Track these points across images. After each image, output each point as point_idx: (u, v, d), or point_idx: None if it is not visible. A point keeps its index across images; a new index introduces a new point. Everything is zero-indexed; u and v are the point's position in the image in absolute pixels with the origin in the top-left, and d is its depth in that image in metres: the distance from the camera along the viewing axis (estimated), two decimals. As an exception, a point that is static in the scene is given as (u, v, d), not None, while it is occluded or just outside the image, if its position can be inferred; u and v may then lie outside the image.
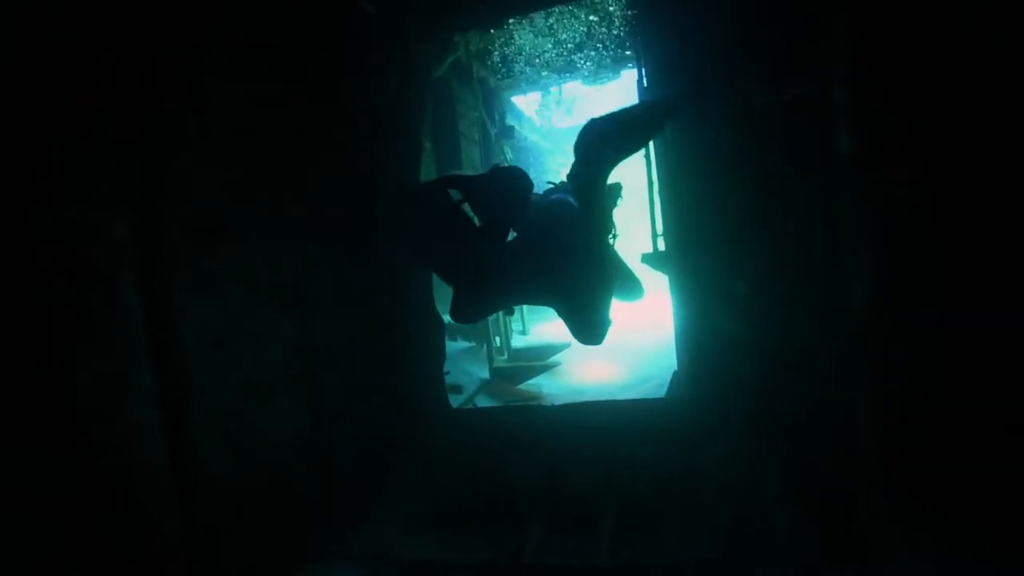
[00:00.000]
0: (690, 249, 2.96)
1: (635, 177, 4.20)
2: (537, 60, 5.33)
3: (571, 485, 2.51)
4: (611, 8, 5.06)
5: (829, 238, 1.96)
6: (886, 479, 1.90)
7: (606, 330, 2.61)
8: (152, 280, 1.78)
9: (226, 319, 2.10)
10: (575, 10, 5.26)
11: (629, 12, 4.77)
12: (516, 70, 5.24)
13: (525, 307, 7.15)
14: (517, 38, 5.22)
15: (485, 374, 5.19)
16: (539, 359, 5.54)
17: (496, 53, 5.15)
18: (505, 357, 5.75)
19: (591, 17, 5.15)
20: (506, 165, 2.83)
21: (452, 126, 4.23)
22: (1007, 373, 1.63)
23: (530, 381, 5.09)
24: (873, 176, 1.76)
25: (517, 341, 6.52)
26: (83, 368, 1.60)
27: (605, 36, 5.25)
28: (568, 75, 6.19)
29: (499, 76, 5.40)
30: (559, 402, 4.63)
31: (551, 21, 5.25)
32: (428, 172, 4.58)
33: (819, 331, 2.06)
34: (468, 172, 4.94)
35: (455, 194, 2.68)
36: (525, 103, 8.35)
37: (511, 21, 4.65)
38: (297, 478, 2.28)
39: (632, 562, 2.11)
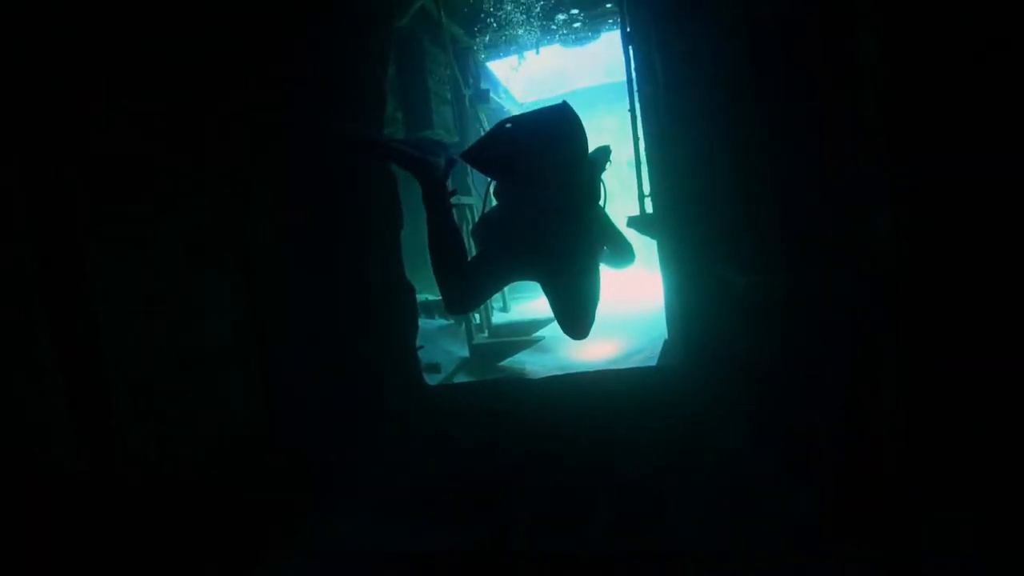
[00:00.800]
0: (686, 201, 2.69)
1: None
2: (509, 12, 4.98)
3: (561, 465, 2.26)
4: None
5: (849, 169, 1.72)
6: (914, 453, 1.68)
7: (591, 323, 2.50)
8: (54, 229, 1.47)
9: (158, 283, 1.79)
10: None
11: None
12: (488, 23, 4.89)
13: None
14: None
15: (465, 352, 4.92)
16: (522, 335, 5.28)
17: (467, 8, 4.79)
18: (485, 334, 5.48)
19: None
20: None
21: (422, 83, 3.90)
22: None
23: (513, 358, 4.83)
24: (905, 88, 1.50)
25: (498, 317, 6.26)
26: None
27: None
28: (546, 37, 5.86)
29: (471, 35, 5.05)
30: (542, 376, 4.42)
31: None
32: (397, 132, 4.26)
33: (837, 279, 1.82)
34: (441, 132, 4.63)
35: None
36: (502, 74, 8.01)
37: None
38: (249, 465, 1.99)
39: (631, 549, 1.87)
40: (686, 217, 2.62)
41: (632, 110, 3.70)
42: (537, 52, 5.79)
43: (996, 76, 1.36)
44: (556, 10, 4.96)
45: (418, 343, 4.92)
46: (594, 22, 5.11)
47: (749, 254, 2.13)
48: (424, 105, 3.89)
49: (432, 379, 4.37)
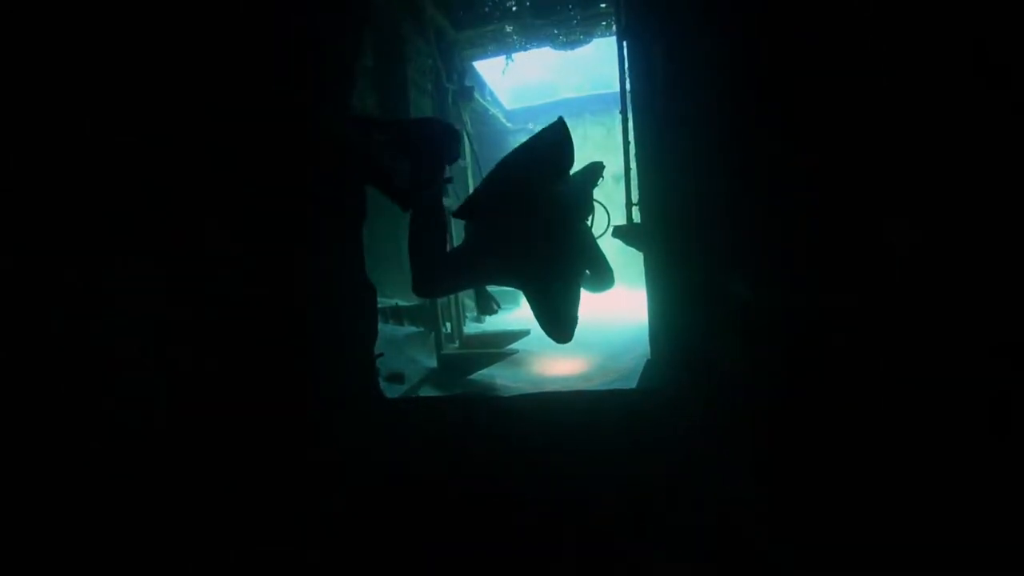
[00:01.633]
0: (685, 208, 2.44)
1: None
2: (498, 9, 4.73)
3: (524, 502, 1.95)
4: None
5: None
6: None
7: (574, 326, 2.51)
8: None
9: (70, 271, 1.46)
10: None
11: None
12: (476, 13, 4.62)
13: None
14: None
15: (432, 363, 4.59)
16: (494, 347, 4.97)
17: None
18: (456, 344, 5.16)
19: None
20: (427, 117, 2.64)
21: (400, 70, 3.61)
22: None
23: (483, 372, 4.51)
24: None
25: (471, 327, 5.94)
26: None
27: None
28: (536, 38, 5.62)
29: (458, 28, 4.78)
30: (514, 394, 4.11)
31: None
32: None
33: (859, 295, 1.56)
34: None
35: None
36: (489, 77, 7.76)
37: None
38: (143, 497, 1.64)
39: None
40: (686, 225, 2.36)
41: (623, 112, 3.45)
42: (526, 49, 5.54)
43: None
44: (549, 8, 4.71)
45: (379, 351, 4.60)
46: (587, 23, 4.89)
47: (764, 268, 1.86)
48: (401, 93, 3.60)
49: (395, 390, 4.04)
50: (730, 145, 2.09)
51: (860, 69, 1.50)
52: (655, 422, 2.30)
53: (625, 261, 7.77)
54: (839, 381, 1.59)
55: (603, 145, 8.95)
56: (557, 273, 2.54)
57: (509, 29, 5.06)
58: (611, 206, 3.73)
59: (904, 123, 1.43)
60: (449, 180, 2.50)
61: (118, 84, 1.61)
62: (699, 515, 1.92)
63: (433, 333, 4.71)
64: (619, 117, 3.58)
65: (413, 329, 5.31)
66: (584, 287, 2.74)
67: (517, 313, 7.92)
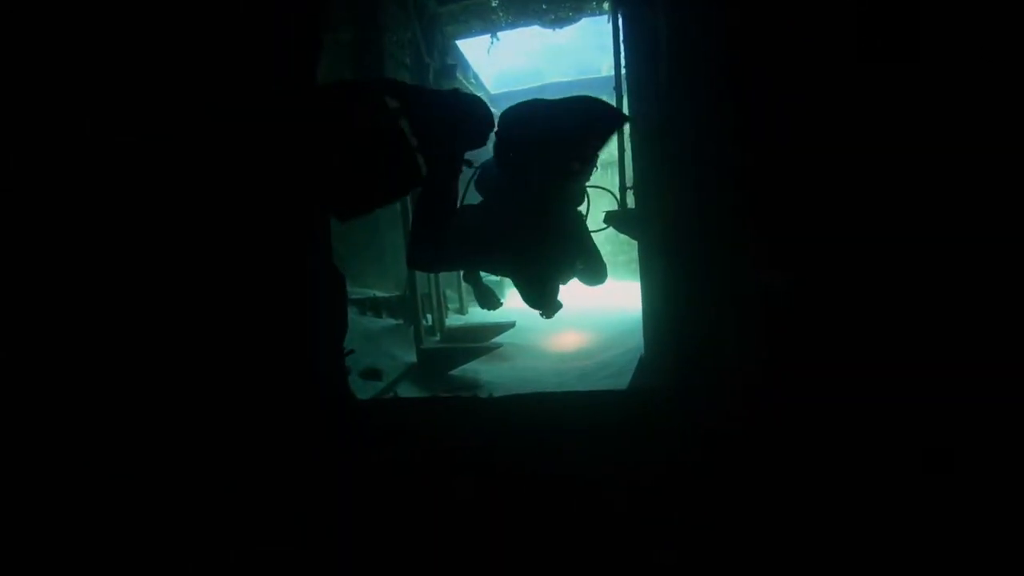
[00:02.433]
0: (694, 189, 2.20)
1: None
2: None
3: (512, 517, 1.71)
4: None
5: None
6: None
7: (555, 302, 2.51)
8: None
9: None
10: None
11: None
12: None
13: (462, 284, 6.31)
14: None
15: (412, 358, 4.33)
16: (477, 340, 4.73)
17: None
18: (437, 338, 4.91)
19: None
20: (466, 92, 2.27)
21: (376, 40, 3.30)
22: None
23: (465, 366, 4.27)
24: None
25: (453, 319, 5.69)
26: None
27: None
28: (523, 15, 5.34)
29: (440, 1, 4.48)
30: (499, 393, 3.87)
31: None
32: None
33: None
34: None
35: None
36: (473, 57, 7.45)
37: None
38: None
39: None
40: (691, 211, 2.12)
41: (617, 89, 3.20)
42: (512, 28, 5.26)
43: None
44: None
45: (353, 346, 4.32)
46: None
47: (790, 256, 1.63)
48: (378, 66, 3.30)
49: (371, 388, 3.78)
50: (745, 123, 1.86)
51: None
52: (658, 429, 2.07)
53: (613, 250, 7.52)
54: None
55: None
56: (546, 260, 2.49)
57: (495, 4, 4.76)
58: (602, 193, 3.48)
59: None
60: (468, 163, 2.27)
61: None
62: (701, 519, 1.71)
63: (413, 326, 4.44)
64: (609, 101, 3.33)
65: (392, 322, 5.04)
66: (579, 279, 2.67)
67: (504, 305, 7.67)
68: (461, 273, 3.37)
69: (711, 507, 1.63)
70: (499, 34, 5.83)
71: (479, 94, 7.98)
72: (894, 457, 1.50)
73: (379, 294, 5.56)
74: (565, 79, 9.19)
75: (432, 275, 5.04)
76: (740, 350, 1.88)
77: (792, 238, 1.62)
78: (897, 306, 1.42)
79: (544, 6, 4.64)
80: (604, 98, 3.13)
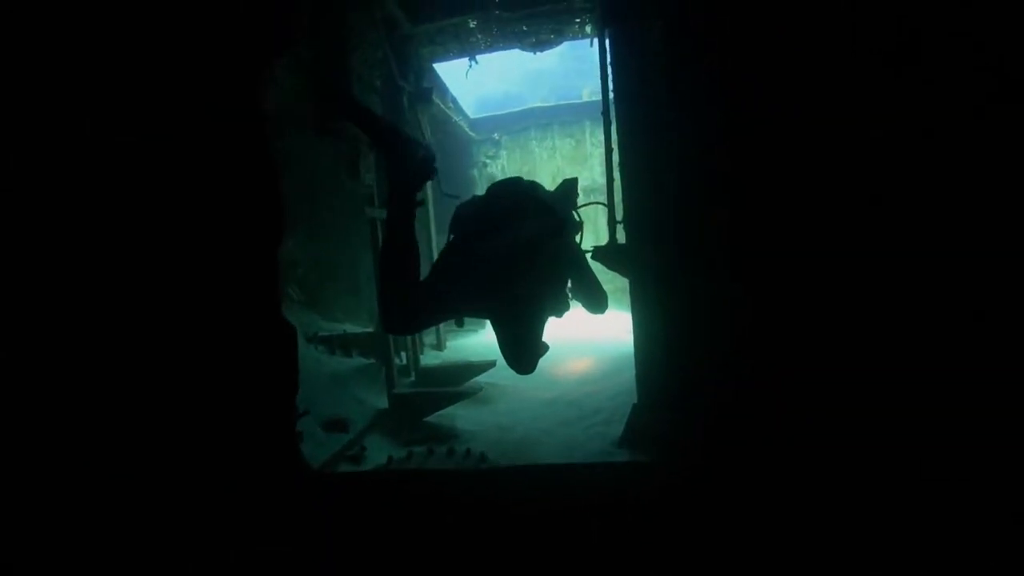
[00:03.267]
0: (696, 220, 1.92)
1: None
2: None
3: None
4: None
5: None
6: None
7: (539, 358, 2.37)
8: None
9: None
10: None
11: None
12: (435, 3, 4.07)
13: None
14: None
15: (383, 403, 3.95)
16: (455, 382, 4.36)
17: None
18: (412, 378, 4.54)
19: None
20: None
21: (340, 58, 3.00)
22: None
23: (442, 412, 3.90)
24: None
25: (429, 358, 5.32)
26: None
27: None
28: (503, 37, 5.12)
29: (415, 21, 4.22)
30: (479, 442, 3.51)
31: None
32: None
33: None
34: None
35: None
36: (452, 81, 7.21)
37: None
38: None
39: None
40: (697, 248, 1.84)
41: (605, 113, 2.94)
42: (492, 51, 5.03)
43: None
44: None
45: (321, 389, 3.94)
46: (560, 19, 4.40)
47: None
48: (343, 86, 3.00)
49: (335, 441, 3.39)
50: (751, 142, 1.59)
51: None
52: (668, 516, 1.75)
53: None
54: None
55: (572, 157, 8.51)
56: (534, 297, 2.35)
57: (472, 25, 4.52)
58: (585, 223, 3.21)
59: None
60: (420, 203, 2.30)
61: None
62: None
63: (384, 367, 4.07)
64: (589, 128, 3.11)
65: (363, 361, 4.65)
66: (582, 304, 2.59)
67: (485, 336, 7.33)
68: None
69: None
70: (479, 58, 5.61)
71: (458, 119, 7.76)
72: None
73: (351, 329, 5.18)
74: (548, 103, 9.02)
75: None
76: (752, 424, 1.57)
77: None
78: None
79: (525, 28, 4.41)
80: (588, 124, 2.88)
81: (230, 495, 1.86)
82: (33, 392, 1.45)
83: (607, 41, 2.95)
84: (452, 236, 2.43)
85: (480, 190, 8.91)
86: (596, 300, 2.55)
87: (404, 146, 2.26)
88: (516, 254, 2.20)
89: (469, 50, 5.32)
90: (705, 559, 1.56)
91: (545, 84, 18.28)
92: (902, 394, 1.58)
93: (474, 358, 5.24)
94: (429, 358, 5.25)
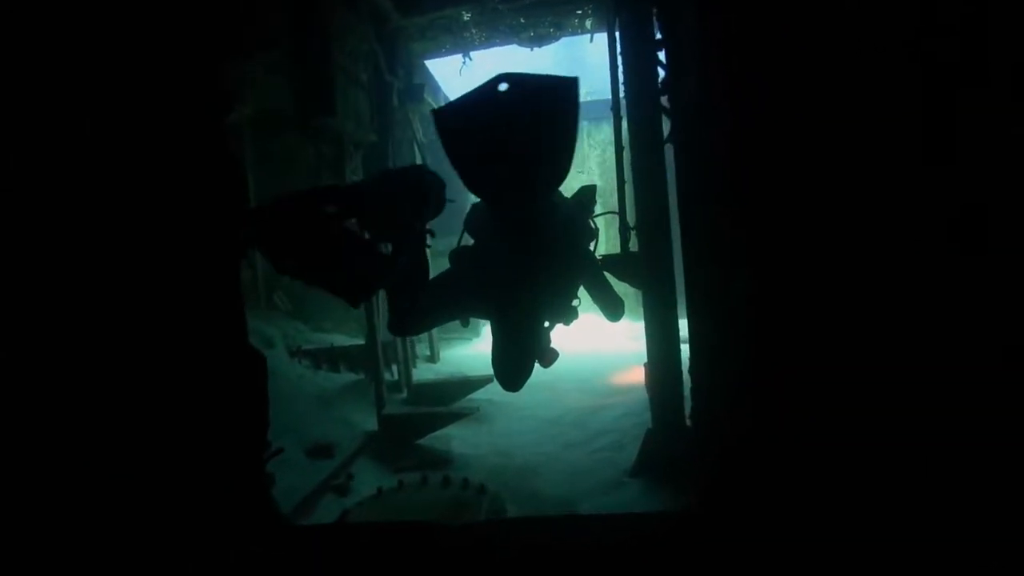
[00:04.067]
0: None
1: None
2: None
3: None
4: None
5: None
6: None
7: (528, 376, 2.25)
8: None
9: None
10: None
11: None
12: (427, 1, 3.79)
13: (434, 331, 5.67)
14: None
15: (372, 423, 3.65)
16: (450, 399, 4.09)
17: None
18: (404, 395, 4.24)
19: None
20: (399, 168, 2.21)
21: (323, 50, 2.70)
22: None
23: (437, 433, 3.60)
24: None
25: (422, 371, 5.02)
26: None
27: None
28: (498, 31, 4.85)
29: (404, 13, 3.94)
30: (477, 469, 3.22)
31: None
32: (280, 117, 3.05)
33: None
34: (350, 125, 3.40)
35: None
36: (445, 79, 6.92)
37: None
38: None
39: None
40: (731, 257, 1.56)
41: (615, 109, 2.67)
42: (487, 46, 4.76)
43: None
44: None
45: (306, 408, 3.64)
46: (559, 9, 4.12)
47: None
48: (325, 81, 2.70)
49: (319, 469, 3.09)
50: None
51: None
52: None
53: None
54: None
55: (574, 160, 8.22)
56: (540, 305, 2.26)
57: (467, 18, 4.24)
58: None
59: None
60: (431, 233, 2.11)
61: None
62: None
63: (374, 384, 3.77)
64: (586, 129, 2.89)
65: (351, 377, 4.36)
66: (603, 312, 2.49)
67: (478, 346, 7.04)
68: None
69: None
70: (473, 56, 5.32)
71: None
72: None
73: (339, 342, 4.88)
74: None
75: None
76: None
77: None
78: None
79: (523, 20, 4.13)
80: (585, 125, 2.59)
81: (185, 559, 1.56)
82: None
83: (617, 33, 2.68)
84: (465, 235, 2.35)
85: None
86: (613, 307, 2.46)
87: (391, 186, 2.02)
88: (531, 261, 2.09)
89: (463, 46, 5.04)
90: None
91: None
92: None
93: (470, 372, 4.96)
94: (422, 372, 4.95)
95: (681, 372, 2.69)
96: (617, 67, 2.66)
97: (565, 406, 4.16)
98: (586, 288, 2.49)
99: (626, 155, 2.70)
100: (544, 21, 4.42)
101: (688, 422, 2.67)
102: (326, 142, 2.92)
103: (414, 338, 5.07)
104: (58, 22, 1.37)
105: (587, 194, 2.73)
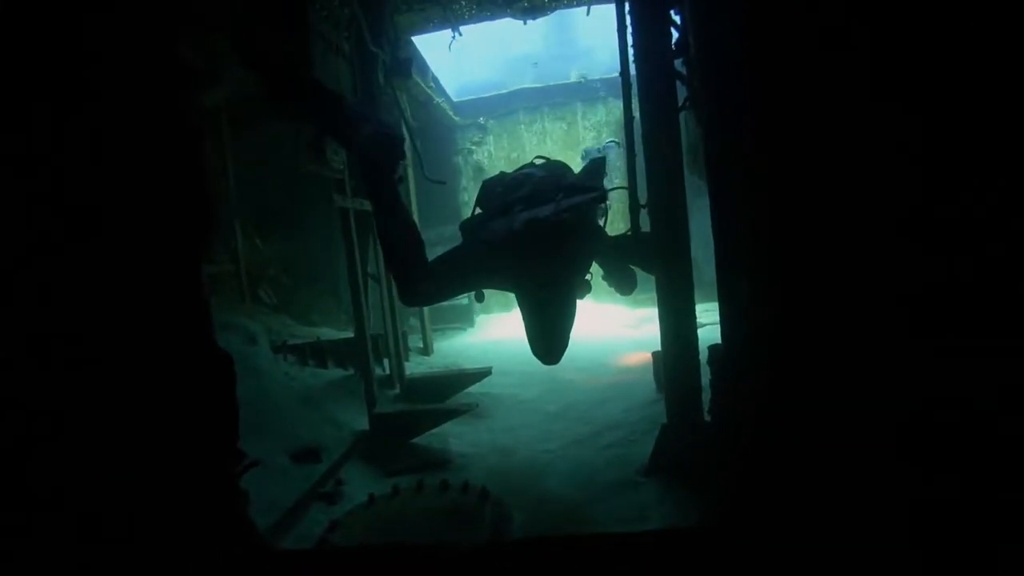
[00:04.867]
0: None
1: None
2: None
3: None
4: None
5: None
6: None
7: (565, 347, 2.33)
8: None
9: None
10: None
11: None
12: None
13: (427, 316, 5.43)
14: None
15: (363, 423, 3.41)
16: (446, 394, 3.85)
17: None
18: (397, 391, 4.00)
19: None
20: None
21: (298, 12, 2.43)
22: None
23: (434, 431, 3.36)
24: None
25: (416, 363, 4.79)
26: None
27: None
28: (490, 6, 4.58)
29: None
30: (477, 469, 2.99)
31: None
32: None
33: None
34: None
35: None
36: (433, 59, 6.61)
37: None
38: None
39: None
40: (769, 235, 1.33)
41: (623, 74, 2.42)
42: (478, 20, 4.48)
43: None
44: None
45: (289, 408, 3.39)
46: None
47: None
48: (300, 43, 2.41)
49: (305, 475, 2.85)
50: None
51: None
52: None
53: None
54: None
55: (563, 142, 7.96)
56: (568, 274, 2.31)
57: (456, -16, 3.95)
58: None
59: None
60: (400, 179, 2.38)
61: None
62: None
63: (365, 380, 3.52)
64: (581, 110, 2.75)
65: (340, 373, 4.11)
66: (609, 283, 2.59)
67: (473, 336, 6.81)
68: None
69: None
70: (460, 43, 5.02)
71: (440, 100, 7.16)
72: None
73: (327, 336, 4.62)
74: (537, 84, 8.43)
75: (389, 314, 4.15)
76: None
77: None
78: None
79: (518, -9, 3.86)
80: (580, 106, 2.55)
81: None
82: None
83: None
84: (479, 210, 2.42)
85: (466, 179, 8.36)
86: (627, 281, 2.54)
87: (351, 122, 2.16)
88: (548, 233, 2.14)
89: (452, 19, 4.75)
90: None
91: (529, 71, 17.66)
92: None
93: (466, 364, 4.73)
94: (416, 365, 4.71)
95: (699, 364, 2.47)
96: (625, 27, 2.40)
97: (568, 398, 3.93)
98: (598, 263, 2.51)
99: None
100: (540, -10, 4.14)
101: (707, 417, 2.46)
102: (305, 120, 2.64)
103: (406, 330, 4.83)
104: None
105: (596, 166, 2.53)
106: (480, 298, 2.47)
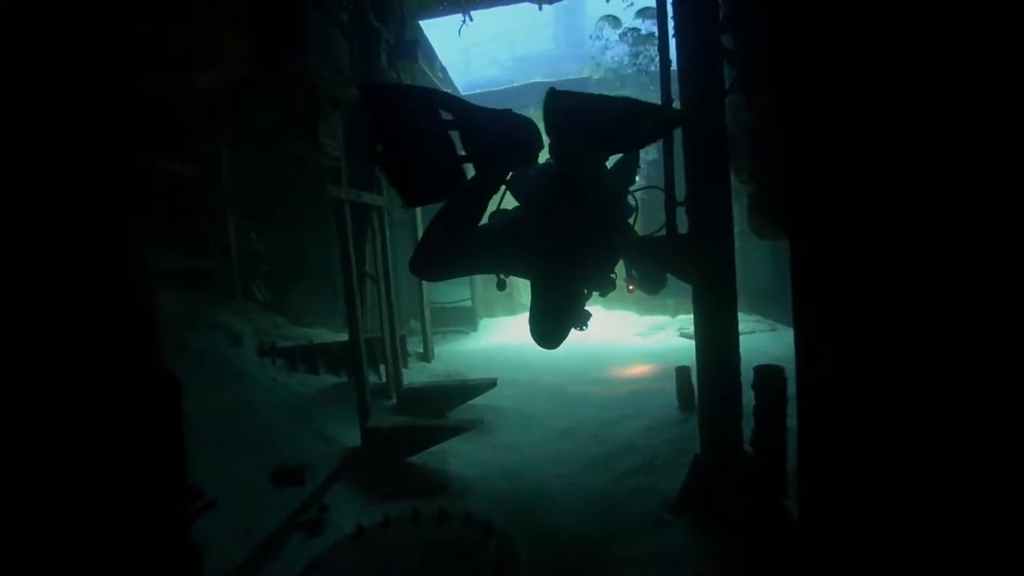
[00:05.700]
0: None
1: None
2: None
3: None
4: None
5: None
6: None
7: (565, 336, 2.27)
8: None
9: None
10: None
11: None
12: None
13: (428, 319, 5.10)
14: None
15: (354, 437, 3.09)
16: (447, 406, 3.53)
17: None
18: (393, 402, 3.68)
19: None
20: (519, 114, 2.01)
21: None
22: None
23: (434, 449, 3.04)
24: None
25: (414, 372, 4.46)
26: None
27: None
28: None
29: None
30: (479, 496, 2.66)
31: None
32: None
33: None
34: (325, 72, 2.82)
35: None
36: (441, 45, 6.31)
37: None
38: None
39: None
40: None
41: (662, 50, 2.10)
42: (490, 5, 4.17)
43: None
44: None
45: (278, 416, 3.07)
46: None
47: None
48: (296, 15, 2.10)
49: (287, 499, 2.53)
50: None
51: None
52: None
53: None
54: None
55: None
56: (581, 272, 2.25)
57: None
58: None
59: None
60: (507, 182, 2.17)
61: None
62: None
63: (358, 390, 3.19)
64: None
65: (332, 379, 3.79)
66: (638, 286, 2.53)
67: (476, 340, 6.48)
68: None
69: None
70: (468, 41, 4.71)
71: (447, 89, 6.85)
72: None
73: (321, 338, 4.30)
74: (548, 79, 8.11)
75: (387, 316, 3.83)
76: None
77: None
78: None
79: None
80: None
81: None
82: None
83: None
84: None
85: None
86: (655, 280, 2.46)
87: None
88: (576, 226, 2.08)
89: (463, 3, 4.44)
90: None
91: (538, 70, 17.42)
92: None
93: (469, 372, 4.40)
94: (415, 372, 4.39)
95: (741, 388, 2.15)
96: (667, 23, 2.09)
97: (578, 413, 3.61)
98: (626, 261, 2.42)
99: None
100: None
101: (747, 448, 2.14)
102: (295, 94, 2.33)
103: (404, 334, 4.51)
104: None
105: (627, 162, 2.25)
106: (502, 287, 2.38)
